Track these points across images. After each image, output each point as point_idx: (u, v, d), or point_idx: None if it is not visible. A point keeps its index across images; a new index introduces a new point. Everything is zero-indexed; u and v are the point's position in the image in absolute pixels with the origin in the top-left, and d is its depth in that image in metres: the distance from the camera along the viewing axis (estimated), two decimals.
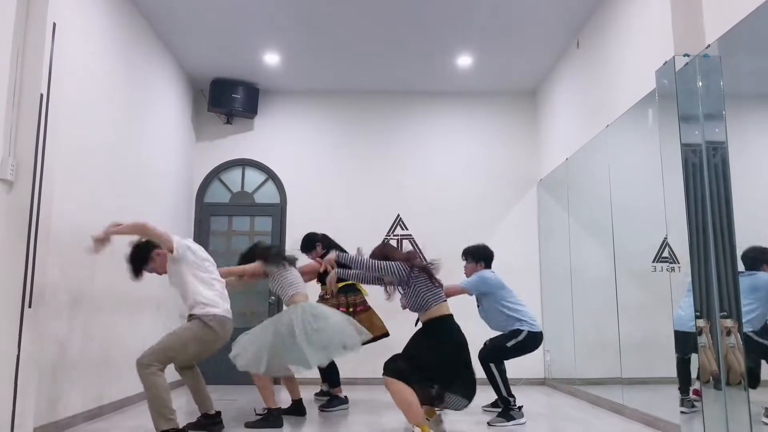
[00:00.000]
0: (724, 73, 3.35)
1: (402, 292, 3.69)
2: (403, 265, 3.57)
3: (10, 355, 3.21)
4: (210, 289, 3.68)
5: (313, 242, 4.98)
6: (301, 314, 4.03)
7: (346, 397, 4.88)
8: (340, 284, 4.82)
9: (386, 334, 4.85)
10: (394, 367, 3.40)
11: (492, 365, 4.33)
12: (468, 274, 4.69)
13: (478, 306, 4.70)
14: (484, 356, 4.40)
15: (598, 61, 5.14)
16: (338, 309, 4.70)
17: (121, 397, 4.74)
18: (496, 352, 4.40)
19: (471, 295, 4.62)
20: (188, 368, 3.94)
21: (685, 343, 3.51)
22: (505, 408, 4.22)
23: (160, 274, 3.82)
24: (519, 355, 4.47)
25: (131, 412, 4.60)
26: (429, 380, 3.45)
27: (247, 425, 4.01)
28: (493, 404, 4.63)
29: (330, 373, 4.88)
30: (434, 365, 3.43)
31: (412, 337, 3.62)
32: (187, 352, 3.62)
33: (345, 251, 4.81)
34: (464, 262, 4.74)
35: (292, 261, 4.42)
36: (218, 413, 3.95)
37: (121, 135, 4.87)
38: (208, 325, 3.58)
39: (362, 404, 5.06)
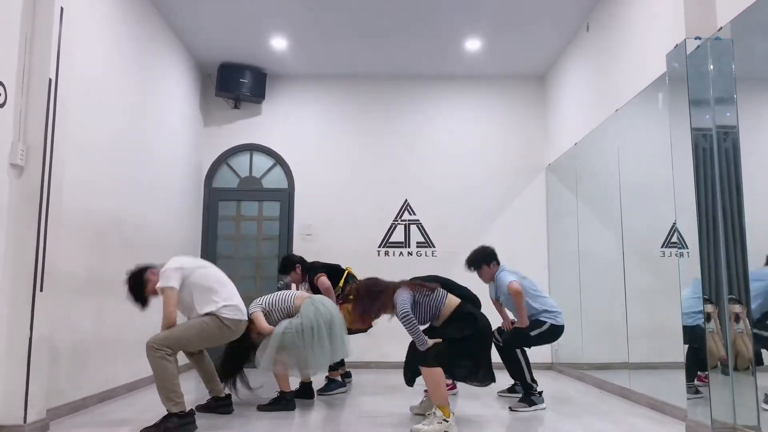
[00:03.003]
0: (736, 57, 3.31)
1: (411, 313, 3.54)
2: (408, 304, 3.50)
3: (22, 337, 3.26)
4: (218, 295, 3.64)
5: (292, 263, 5.03)
6: (314, 315, 4.04)
7: (343, 380, 4.92)
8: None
9: (367, 329, 4.89)
10: (433, 355, 3.47)
11: (517, 350, 4.35)
12: (487, 279, 4.53)
13: (497, 298, 4.61)
14: (508, 342, 4.39)
15: (608, 45, 5.09)
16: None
17: (132, 380, 4.80)
18: (520, 339, 4.39)
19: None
20: (197, 353, 3.99)
21: (692, 335, 3.50)
22: (527, 393, 4.23)
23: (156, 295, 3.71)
24: (540, 344, 4.47)
25: (142, 394, 4.66)
26: (461, 355, 3.54)
27: (260, 408, 4.07)
28: (510, 389, 4.66)
29: None
30: (464, 338, 3.53)
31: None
32: (200, 344, 3.67)
33: (318, 270, 4.89)
34: (476, 272, 4.52)
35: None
36: (228, 396, 4.01)
37: (130, 119, 4.88)
38: (225, 324, 3.60)
39: (370, 387, 5.11)
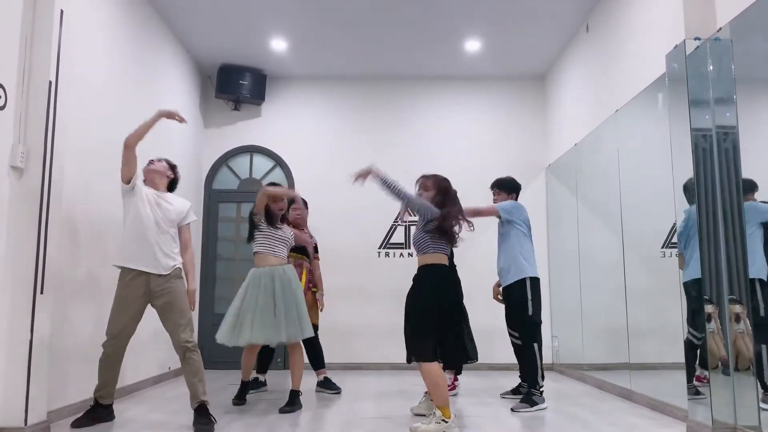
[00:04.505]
0: (736, 57, 3.31)
1: (415, 221, 3.78)
2: (436, 213, 3.65)
3: (23, 340, 3.26)
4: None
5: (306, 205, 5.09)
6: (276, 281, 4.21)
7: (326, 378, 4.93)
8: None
9: (315, 326, 4.72)
10: (419, 351, 3.46)
11: (535, 345, 4.30)
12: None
13: (499, 237, 4.67)
14: (526, 338, 4.35)
15: (607, 45, 5.09)
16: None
17: (133, 382, 4.80)
18: (531, 327, 4.34)
19: (500, 218, 4.57)
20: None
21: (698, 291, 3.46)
22: (528, 393, 4.22)
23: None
24: (539, 305, 4.40)
25: (143, 396, 4.66)
26: (433, 328, 3.50)
27: (282, 410, 4.05)
28: (513, 391, 4.64)
29: (314, 356, 4.87)
30: (422, 311, 3.49)
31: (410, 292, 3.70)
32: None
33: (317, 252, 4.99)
34: (493, 194, 4.83)
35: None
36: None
37: (130, 121, 4.85)
38: (181, 275, 3.81)
39: (369, 388, 5.11)
